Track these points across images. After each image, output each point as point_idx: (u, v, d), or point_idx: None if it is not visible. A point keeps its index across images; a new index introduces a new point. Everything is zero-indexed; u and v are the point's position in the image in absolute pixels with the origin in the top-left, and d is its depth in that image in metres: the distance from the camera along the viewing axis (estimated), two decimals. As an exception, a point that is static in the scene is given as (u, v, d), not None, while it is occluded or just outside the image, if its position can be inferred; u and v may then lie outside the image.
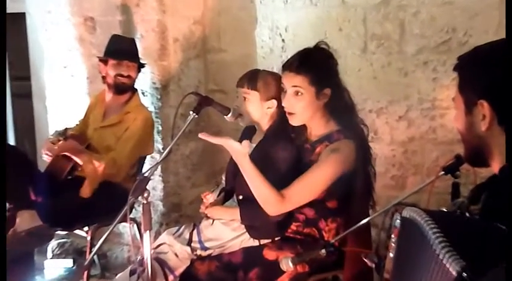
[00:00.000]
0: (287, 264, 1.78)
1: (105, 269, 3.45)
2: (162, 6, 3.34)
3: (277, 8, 3.04)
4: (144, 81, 3.35)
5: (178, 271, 2.18)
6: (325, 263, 2.12)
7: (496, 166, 1.23)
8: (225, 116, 2.28)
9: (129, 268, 2.25)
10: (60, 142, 2.89)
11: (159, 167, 3.30)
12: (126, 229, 3.40)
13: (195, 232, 2.28)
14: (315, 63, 2.10)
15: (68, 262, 3.55)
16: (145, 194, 1.95)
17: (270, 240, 2.20)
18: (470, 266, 1.02)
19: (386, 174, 2.78)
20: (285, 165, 2.15)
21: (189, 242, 2.24)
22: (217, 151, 2.02)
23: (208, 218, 2.32)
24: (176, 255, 2.21)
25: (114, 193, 2.75)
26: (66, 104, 3.67)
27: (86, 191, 2.80)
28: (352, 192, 2.10)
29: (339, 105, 2.13)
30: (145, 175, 2.00)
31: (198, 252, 2.22)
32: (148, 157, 3.17)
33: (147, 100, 3.37)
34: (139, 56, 3.12)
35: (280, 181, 2.04)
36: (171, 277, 2.17)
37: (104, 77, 3.09)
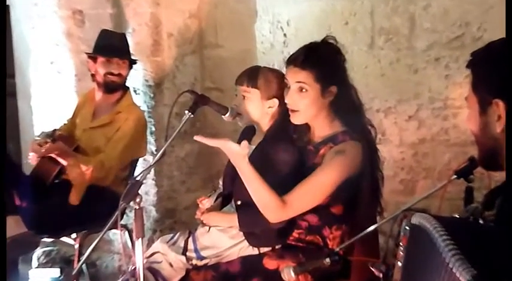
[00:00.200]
0: (289, 274, 1.78)
1: (94, 280, 3.45)
2: (156, -1, 3.35)
3: (279, 0, 3.06)
4: (137, 79, 3.35)
5: (173, 282, 2.18)
6: (329, 273, 2.12)
7: (512, 169, 1.24)
8: (222, 116, 2.28)
9: (120, 279, 2.25)
10: (48, 144, 2.89)
11: (152, 171, 3.30)
12: (116, 236, 3.40)
13: (190, 239, 2.28)
14: (322, 59, 2.10)
15: (55, 272, 3.53)
16: (138, 199, 1.95)
17: (270, 248, 2.20)
18: (482, 275, 1.02)
19: (395, 178, 2.79)
20: (286, 168, 2.16)
21: (184, 251, 2.24)
22: (214, 153, 2.03)
23: (204, 225, 2.32)
24: (170, 264, 2.21)
25: (104, 198, 2.75)
26: (52, 103, 3.67)
27: (73, 198, 2.81)
28: (359, 197, 2.10)
29: (345, 104, 2.14)
30: (138, 178, 2.00)
31: (194, 261, 2.22)
32: (140, 159, 3.17)
33: (140, 99, 3.38)
34: (131, 51, 3.13)
35: (282, 185, 2.04)
36: (164, 288, 2.17)
37: (93, 75, 3.09)
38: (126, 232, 2.97)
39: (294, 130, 2.23)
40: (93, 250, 2.10)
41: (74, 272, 2.46)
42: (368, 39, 2.76)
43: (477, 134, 1.30)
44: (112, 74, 3.01)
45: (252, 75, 2.28)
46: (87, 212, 2.79)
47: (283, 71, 2.21)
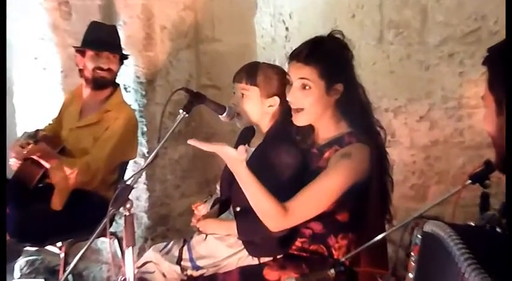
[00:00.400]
0: (291, 286, 1.78)
1: (81, 291, 3.46)
2: (148, -11, 3.35)
3: (280, -8, 3.06)
4: (127, 75, 3.35)
5: (166, 294, 2.18)
6: (334, 285, 2.12)
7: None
8: (219, 116, 2.28)
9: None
10: (30, 146, 2.89)
11: (144, 174, 3.30)
12: (105, 244, 3.40)
13: (185, 248, 2.28)
14: (327, 54, 2.10)
15: (39, 283, 3.55)
16: (128, 205, 1.95)
17: (271, 258, 2.20)
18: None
19: (405, 183, 2.80)
20: (288, 172, 2.16)
21: (179, 261, 2.24)
22: (211, 155, 2.02)
23: (200, 232, 2.32)
24: (164, 275, 2.21)
25: (92, 204, 2.75)
26: (37, 101, 3.68)
27: (55, 203, 2.81)
28: (366, 204, 2.10)
29: (352, 104, 2.13)
30: (128, 182, 2.00)
31: (189, 272, 2.22)
32: (131, 162, 3.18)
33: (131, 97, 3.38)
34: (122, 46, 3.13)
35: (283, 190, 2.04)
36: (157, 301, 2.17)
37: (80, 70, 3.09)
38: (116, 240, 2.97)
39: (297, 131, 2.23)
40: (79, 259, 2.11)
41: (59, 284, 2.46)
42: (376, 33, 2.77)
43: (494, 135, 1.30)
44: (101, 69, 3.01)
45: (251, 72, 2.27)
46: (73, 218, 2.79)
47: (285, 68, 2.21)
